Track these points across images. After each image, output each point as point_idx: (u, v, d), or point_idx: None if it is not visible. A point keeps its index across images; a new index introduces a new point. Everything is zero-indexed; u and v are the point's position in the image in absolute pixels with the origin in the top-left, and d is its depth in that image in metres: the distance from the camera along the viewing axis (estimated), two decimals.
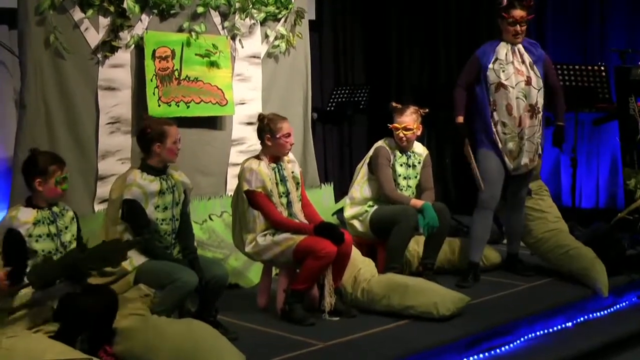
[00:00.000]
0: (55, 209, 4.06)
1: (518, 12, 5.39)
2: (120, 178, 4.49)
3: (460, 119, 5.53)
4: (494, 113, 5.44)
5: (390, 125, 5.50)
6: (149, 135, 4.42)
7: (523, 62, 5.45)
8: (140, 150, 4.51)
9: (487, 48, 5.51)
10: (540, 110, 5.50)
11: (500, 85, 5.40)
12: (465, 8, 8.80)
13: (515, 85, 5.40)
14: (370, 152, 5.57)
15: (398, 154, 5.51)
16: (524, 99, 5.41)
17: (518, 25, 5.40)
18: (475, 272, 5.62)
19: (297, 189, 4.95)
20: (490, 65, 5.42)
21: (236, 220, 4.96)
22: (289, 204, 4.88)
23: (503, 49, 5.45)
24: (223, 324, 4.43)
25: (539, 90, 5.46)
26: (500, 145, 5.45)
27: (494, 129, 5.45)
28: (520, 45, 5.47)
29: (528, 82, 5.42)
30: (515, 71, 5.41)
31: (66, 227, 4.07)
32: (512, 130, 5.42)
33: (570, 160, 7.28)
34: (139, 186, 4.36)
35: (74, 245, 4.09)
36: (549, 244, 5.80)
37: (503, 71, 5.41)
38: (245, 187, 4.78)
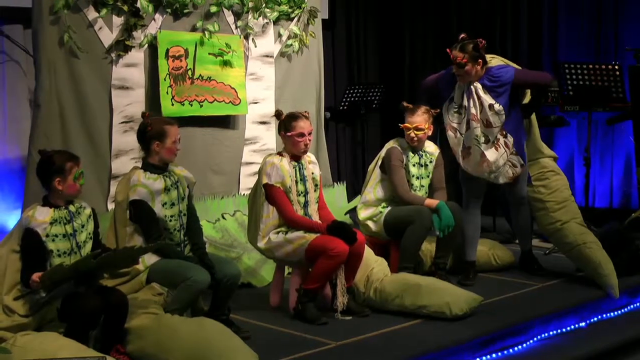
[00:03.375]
0: (72, 207, 4.08)
1: (455, 53, 5.27)
2: (123, 179, 4.50)
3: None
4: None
5: (402, 125, 5.49)
6: (149, 134, 4.43)
7: (481, 104, 5.29)
8: (141, 148, 4.52)
9: (447, 79, 5.42)
10: (506, 133, 5.36)
11: (449, 128, 5.42)
12: (479, 7, 8.78)
13: (473, 129, 5.33)
14: (383, 153, 5.56)
15: (410, 154, 5.50)
16: (481, 145, 5.34)
17: (455, 66, 5.29)
18: (474, 269, 5.64)
19: (315, 190, 4.95)
20: (446, 104, 5.42)
21: (252, 214, 4.97)
22: (305, 204, 4.88)
23: (459, 90, 5.36)
24: (235, 322, 4.44)
25: (501, 125, 5.32)
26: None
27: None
28: (477, 85, 5.29)
29: (487, 125, 5.32)
30: (470, 117, 5.32)
31: (82, 226, 4.09)
32: (466, 167, 5.48)
33: (583, 159, 7.24)
34: (144, 185, 4.37)
35: (89, 245, 4.11)
36: (555, 238, 5.74)
37: (459, 114, 5.38)
38: (265, 180, 4.79)
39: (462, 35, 5.35)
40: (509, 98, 5.33)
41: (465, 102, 5.33)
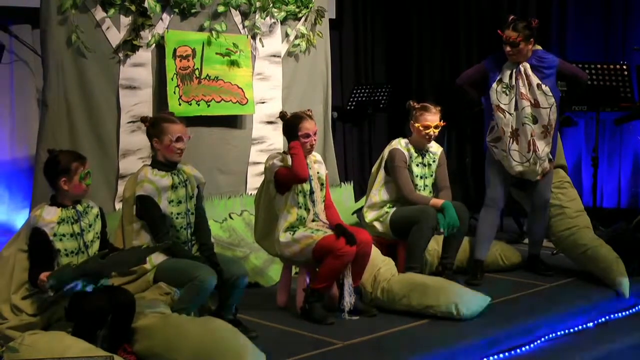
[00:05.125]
0: (79, 207, 4.09)
1: (508, 33, 5.34)
2: (132, 177, 4.52)
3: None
4: (494, 129, 5.48)
5: (419, 124, 5.44)
6: (148, 132, 4.47)
7: (529, 84, 5.37)
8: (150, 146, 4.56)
9: (495, 63, 5.47)
10: (553, 125, 5.44)
11: (497, 108, 5.41)
12: (486, 6, 8.77)
13: (521, 110, 5.36)
14: (385, 154, 5.54)
15: (414, 154, 5.49)
16: (532, 123, 5.38)
17: (508, 46, 5.35)
18: (482, 269, 5.63)
19: (321, 189, 4.95)
20: (494, 85, 5.41)
21: (259, 215, 4.97)
22: (312, 203, 4.88)
23: (508, 70, 5.40)
24: (243, 322, 4.44)
25: (550, 107, 5.39)
26: (495, 157, 5.50)
27: (488, 144, 5.51)
28: (526, 65, 5.39)
29: (535, 104, 5.37)
30: (519, 96, 5.36)
31: (90, 226, 4.10)
32: (508, 152, 5.42)
33: (591, 159, 7.23)
34: (151, 182, 4.37)
35: (96, 244, 4.12)
36: (567, 243, 5.77)
37: (506, 94, 5.38)
38: (275, 169, 4.79)
39: (512, 17, 5.43)
40: (554, 84, 5.45)
41: (514, 82, 5.39)
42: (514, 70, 5.39)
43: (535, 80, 5.37)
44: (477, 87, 5.57)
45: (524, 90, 5.37)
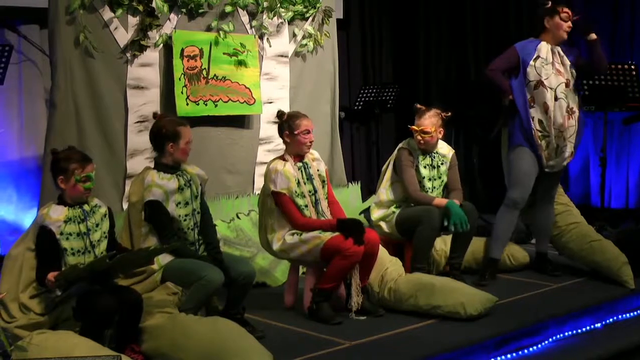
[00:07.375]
0: (86, 206, 4.09)
1: (568, 10, 5.45)
2: (137, 180, 4.49)
3: (512, 97, 5.45)
4: (531, 110, 5.40)
5: (410, 127, 5.48)
6: (163, 135, 4.43)
7: (563, 63, 5.45)
8: (153, 149, 4.53)
9: (526, 44, 5.48)
10: (576, 110, 5.47)
11: (540, 84, 5.37)
12: (493, 6, 8.76)
13: (557, 86, 5.38)
14: (395, 154, 5.55)
15: (421, 155, 5.49)
16: (565, 99, 5.40)
17: (568, 22, 5.44)
18: (494, 269, 5.62)
19: (323, 187, 4.95)
20: (532, 62, 5.39)
21: (262, 220, 4.97)
22: (316, 202, 4.88)
23: (544, 48, 5.43)
24: (250, 322, 4.45)
25: (575, 91, 5.49)
26: (537, 142, 5.41)
27: (533, 126, 5.41)
28: (558, 47, 5.47)
29: (567, 84, 5.42)
30: (555, 72, 5.39)
31: (97, 225, 4.10)
32: (550, 130, 5.38)
33: (599, 159, 7.22)
34: (159, 186, 4.38)
35: (103, 244, 4.13)
36: (572, 234, 5.79)
37: (545, 69, 5.38)
38: (271, 187, 4.80)
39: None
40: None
41: (551, 59, 5.42)
42: (549, 49, 5.44)
43: (567, 61, 5.47)
44: (508, 74, 5.51)
45: (559, 67, 5.43)
